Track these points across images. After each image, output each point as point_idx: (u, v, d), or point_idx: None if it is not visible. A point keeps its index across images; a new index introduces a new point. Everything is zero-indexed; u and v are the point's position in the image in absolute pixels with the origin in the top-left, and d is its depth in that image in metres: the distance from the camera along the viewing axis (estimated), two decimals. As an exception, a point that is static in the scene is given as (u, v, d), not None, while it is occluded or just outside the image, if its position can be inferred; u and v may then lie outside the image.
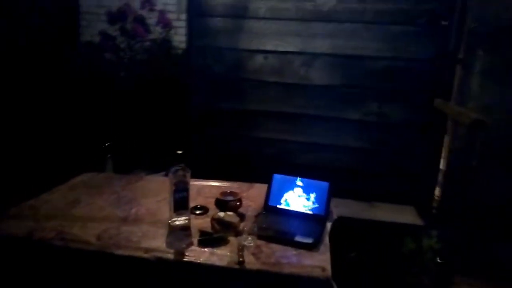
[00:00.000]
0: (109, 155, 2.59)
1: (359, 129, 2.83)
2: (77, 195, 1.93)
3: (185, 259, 1.46)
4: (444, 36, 2.66)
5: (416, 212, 2.72)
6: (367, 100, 2.80)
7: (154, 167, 2.85)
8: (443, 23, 2.64)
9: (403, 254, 2.45)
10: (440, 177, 2.76)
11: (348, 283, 1.82)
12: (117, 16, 3.31)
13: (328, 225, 1.94)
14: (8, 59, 2.92)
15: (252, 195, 1.99)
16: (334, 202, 1.97)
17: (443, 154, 2.75)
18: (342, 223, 2.22)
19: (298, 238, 1.58)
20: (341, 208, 2.56)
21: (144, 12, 3.27)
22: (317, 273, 1.40)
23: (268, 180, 1.85)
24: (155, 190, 2.04)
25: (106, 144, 2.62)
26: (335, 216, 1.97)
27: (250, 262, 1.45)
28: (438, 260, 2.40)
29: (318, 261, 1.47)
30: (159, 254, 1.47)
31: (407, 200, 2.81)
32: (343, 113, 2.84)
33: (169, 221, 1.67)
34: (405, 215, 2.69)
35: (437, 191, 2.79)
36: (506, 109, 2.53)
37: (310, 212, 1.76)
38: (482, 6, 2.53)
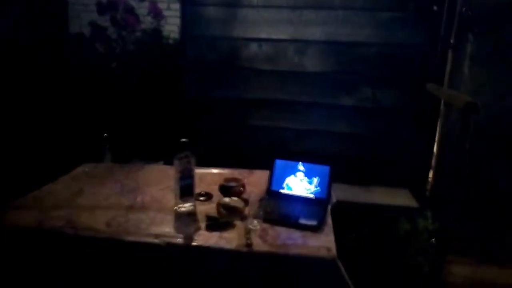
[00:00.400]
0: (107, 146, 2.59)
1: (353, 115, 2.87)
2: (80, 185, 1.95)
3: (194, 243, 1.50)
4: (435, 22, 2.70)
5: (410, 195, 2.79)
6: (361, 86, 2.83)
7: (152, 157, 2.86)
8: (434, 8, 2.68)
9: (399, 235, 2.52)
10: (433, 160, 2.83)
11: (347, 265, 1.88)
12: (107, 7, 3.30)
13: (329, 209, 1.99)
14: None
15: (253, 181, 2.02)
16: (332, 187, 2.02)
17: (436, 138, 2.82)
18: (339, 207, 2.27)
19: (303, 221, 1.63)
20: (337, 192, 2.60)
21: (134, 2, 3.26)
22: (323, 253, 1.46)
23: (270, 166, 1.89)
24: (157, 178, 2.07)
25: (104, 135, 2.62)
26: (334, 200, 2.03)
27: (258, 245, 1.49)
28: (433, 241, 2.47)
29: (323, 242, 1.52)
30: (168, 239, 1.50)
31: (401, 184, 2.87)
32: (337, 99, 2.87)
33: (175, 208, 1.70)
34: (400, 198, 2.76)
35: (430, 174, 2.86)
36: (496, 92, 2.60)
37: (312, 196, 1.81)
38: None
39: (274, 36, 2.88)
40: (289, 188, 1.84)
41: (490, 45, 2.61)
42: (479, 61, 2.63)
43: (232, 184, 1.85)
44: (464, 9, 2.61)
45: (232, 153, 2.88)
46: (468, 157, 2.45)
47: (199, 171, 1.82)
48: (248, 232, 1.55)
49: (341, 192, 2.68)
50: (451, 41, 2.68)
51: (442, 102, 2.74)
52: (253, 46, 2.91)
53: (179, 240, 1.51)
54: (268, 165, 1.91)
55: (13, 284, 1.54)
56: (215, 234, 1.55)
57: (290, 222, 1.62)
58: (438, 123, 2.79)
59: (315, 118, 2.92)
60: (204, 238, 1.53)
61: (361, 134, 2.90)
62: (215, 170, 2.19)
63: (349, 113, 2.88)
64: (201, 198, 1.85)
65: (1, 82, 2.80)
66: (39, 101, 3.09)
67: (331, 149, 2.89)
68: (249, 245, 1.48)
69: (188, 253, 1.50)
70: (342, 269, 1.45)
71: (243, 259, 1.47)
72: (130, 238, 1.51)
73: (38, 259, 1.54)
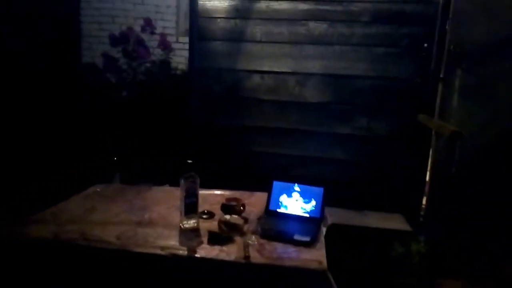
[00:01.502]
0: (116, 169, 2.76)
1: (349, 143, 3.04)
2: (92, 203, 2.11)
3: (197, 255, 1.64)
4: (426, 57, 2.89)
5: (404, 220, 2.91)
6: (356, 116, 3.01)
7: (158, 180, 3.02)
8: (425, 45, 2.89)
9: (393, 257, 2.64)
10: (426, 187, 2.96)
11: (344, 284, 2.00)
12: (120, 39, 3.55)
13: (323, 229, 2.13)
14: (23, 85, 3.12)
15: (253, 202, 2.16)
16: (328, 211, 2.17)
17: (428, 165, 2.96)
18: (335, 229, 2.41)
19: (297, 237, 1.76)
20: (334, 216, 2.74)
21: (145, 35, 3.51)
22: (314, 265, 1.59)
23: (268, 187, 2.04)
24: (163, 198, 2.22)
25: (114, 159, 2.80)
26: (329, 222, 2.17)
27: (255, 257, 1.63)
28: (425, 263, 2.58)
29: (315, 256, 1.66)
30: (174, 251, 1.64)
31: (396, 209, 2.99)
32: (334, 128, 3.04)
33: (180, 224, 1.85)
34: (394, 222, 2.88)
35: (424, 200, 2.99)
36: (482, 122, 2.77)
37: (307, 215, 1.96)
38: (458, 29, 2.78)
39: (276, 69, 3.09)
40: (285, 207, 1.99)
41: (476, 79, 2.79)
42: (466, 93, 2.81)
43: (233, 203, 2.00)
44: (452, 46, 2.81)
45: (234, 176, 3.03)
46: (457, 182, 2.61)
47: (202, 192, 1.98)
48: (246, 246, 1.69)
49: (337, 216, 2.82)
50: (441, 75, 2.87)
51: (433, 131, 2.90)
52: (256, 78, 3.12)
53: (183, 252, 1.65)
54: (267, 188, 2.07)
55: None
56: (216, 248, 1.69)
57: (286, 238, 1.76)
58: (430, 151, 2.93)
59: (314, 145, 3.09)
60: (206, 251, 1.67)
61: (357, 161, 3.05)
62: (217, 192, 2.34)
63: (345, 141, 3.04)
64: (204, 216, 1.99)
65: (20, 109, 3.02)
66: (54, 127, 3.30)
67: (328, 174, 3.04)
68: (247, 257, 1.62)
69: (192, 264, 1.64)
70: (332, 280, 1.58)
71: (241, 271, 1.61)
72: (138, 249, 1.65)
73: (53, 268, 1.68)
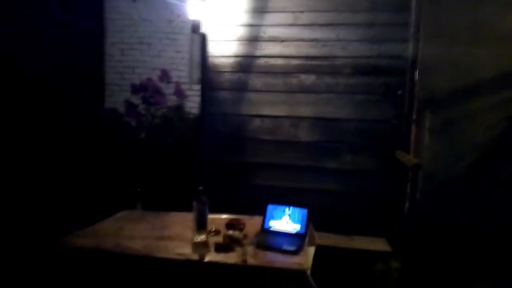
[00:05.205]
0: (139, 200, 3.25)
1: (337, 176, 3.52)
2: (121, 224, 2.60)
3: (206, 260, 2.11)
4: (400, 102, 3.42)
5: (386, 242, 3.33)
6: (343, 153, 3.52)
7: (173, 207, 3.50)
8: (398, 92, 3.42)
9: (375, 274, 3.05)
10: (405, 215, 3.39)
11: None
12: (140, 88, 4.16)
13: (312, 248, 2.58)
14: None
15: (252, 223, 2.62)
16: (319, 235, 2.61)
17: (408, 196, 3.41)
18: (326, 252, 2.86)
19: (285, 247, 2.23)
20: (325, 240, 3.19)
21: (162, 85, 4.11)
22: (296, 266, 2.05)
23: (263, 209, 2.52)
24: (179, 221, 2.69)
25: (138, 190, 3.29)
26: (317, 241, 2.63)
27: (251, 261, 2.09)
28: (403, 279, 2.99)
29: (298, 260, 2.11)
30: (188, 257, 2.12)
31: (379, 234, 3.43)
32: (324, 163, 3.54)
33: (193, 238, 2.32)
34: (377, 244, 3.30)
35: (404, 226, 3.41)
36: (450, 157, 3.23)
37: (294, 231, 2.42)
38: (425, 78, 3.30)
39: (273, 114, 3.65)
40: (278, 226, 2.46)
41: (443, 120, 3.28)
42: (435, 132, 3.29)
43: (236, 222, 2.48)
44: (422, 93, 3.33)
45: (239, 205, 3.50)
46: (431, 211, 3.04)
47: (211, 216, 2.46)
48: (244, 253, 2.15)
49: (327, 240, 3.26)
50: (413, 117, 3.37)
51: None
52: (257, 121, 3.67)
53: (195, 257, 2.12)
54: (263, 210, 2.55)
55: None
56: (221, 255, 2.16)
57: (276, 248, 2.23)
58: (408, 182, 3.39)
59: (307, 178, 3.59)
60: (213, 257, 2.14)
61: (345, 192, 3.52)
62: (223, 216, 2.80)
63: (334, 174, 3.53)
64: (212, 233, 2.46)
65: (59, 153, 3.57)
66: (87, 166, 3.84)
67: (319, 203, 3.48)
68: (244, 261, 2.08)
69: (201, 266, 2.10)
70: (311, 278, 2.03)
71: (240, 272, 2.07)
72: (160, 255, 2.13)
73: (94, 269, 2.16)
